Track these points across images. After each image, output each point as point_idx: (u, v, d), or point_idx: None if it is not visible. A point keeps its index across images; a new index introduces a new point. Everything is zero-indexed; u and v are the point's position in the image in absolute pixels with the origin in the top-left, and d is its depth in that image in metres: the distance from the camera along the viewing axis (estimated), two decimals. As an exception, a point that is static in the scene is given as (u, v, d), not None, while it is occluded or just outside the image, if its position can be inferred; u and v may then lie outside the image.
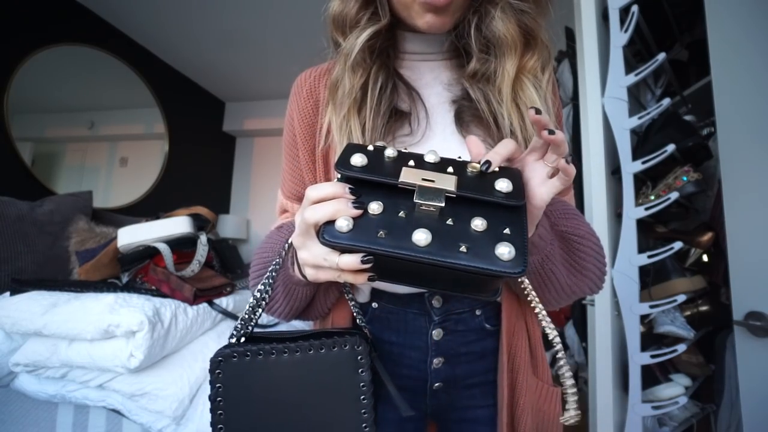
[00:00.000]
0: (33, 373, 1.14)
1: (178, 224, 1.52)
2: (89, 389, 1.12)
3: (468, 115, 0.52)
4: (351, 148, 0.39)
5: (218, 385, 0.41)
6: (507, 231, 0.35)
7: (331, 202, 0.36)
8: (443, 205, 0.35)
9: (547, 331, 0.42)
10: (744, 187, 0.90)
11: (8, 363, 1.14)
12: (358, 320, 0.51)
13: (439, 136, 0.53)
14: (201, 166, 3.23)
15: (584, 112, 1.24)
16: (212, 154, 3.47)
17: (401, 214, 0.35)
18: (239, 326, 0.44)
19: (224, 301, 1.42)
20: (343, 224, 0.34)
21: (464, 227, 0.35)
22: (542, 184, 0.39)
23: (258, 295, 0.45)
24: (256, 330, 0.47)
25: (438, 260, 0.33)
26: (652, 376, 1.15)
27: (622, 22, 1.17)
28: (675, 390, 1.14)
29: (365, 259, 0.34)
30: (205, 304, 1.35)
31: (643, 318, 1.16)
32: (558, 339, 0.41)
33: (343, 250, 0.36)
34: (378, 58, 0.52)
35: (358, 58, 0.50)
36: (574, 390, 0.40)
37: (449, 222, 0.35)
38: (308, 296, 0.50)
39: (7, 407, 1.23)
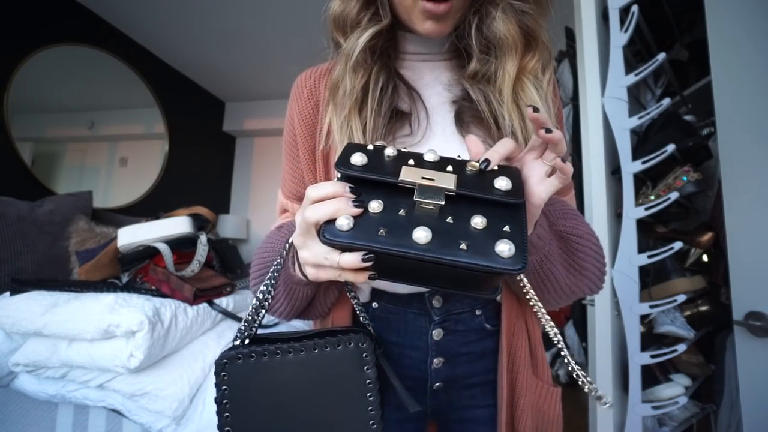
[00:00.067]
0: (33, 373, 1.14)
1: (178, 224, 1.52)
2: (89, 389, 1.12)
3: (468, 115, 0.52)
4: (351, 148, 0.39)
5: (224, 387, 0.41)
6: (507, 228, 0.35)
7: (332, 201, 0.36)
8: (443, 203, 0.35)
9: (548, 329, 0.42)
10: (744, 187, 0.90)
11: (8, 363, 1.14)
12: (361, 318, 0.51)
13: (439, 137, 0.53)
14: (201, 166, 3.23)
15: (584, 112, 1.24)
16: (212, 154, 3.46)
17: (401, 212, 0.35)
18: (243, 328, 0.44)
19: (224, 301, 1.42)
20: (344, 223, 0.34)
21: (464, 225, 0.35)
22: (540, 183, 0.39)
23: (260, 296, 0.45)
24: (258, 331, 0.46)
25: (438, 258, 0.33)
26: (652, 376, 1.15)
27: (622, 22, 1.17)
28: (675, 390, 1.14)
29: (366, 257, 0.35)
30: (205, 304, 1.35)
31: (643, 318, 1.16)
32: (560, 337, 0.41)
33: (344, 249, 0.36)
34: (379, 59, 0.52)
35: (360, 59, 0.50)
36: (587, 378, 0.39)
37: (449, 220, 0.35)
38: (309, 296, 0.50)
39: (7, 407, 1.22)
